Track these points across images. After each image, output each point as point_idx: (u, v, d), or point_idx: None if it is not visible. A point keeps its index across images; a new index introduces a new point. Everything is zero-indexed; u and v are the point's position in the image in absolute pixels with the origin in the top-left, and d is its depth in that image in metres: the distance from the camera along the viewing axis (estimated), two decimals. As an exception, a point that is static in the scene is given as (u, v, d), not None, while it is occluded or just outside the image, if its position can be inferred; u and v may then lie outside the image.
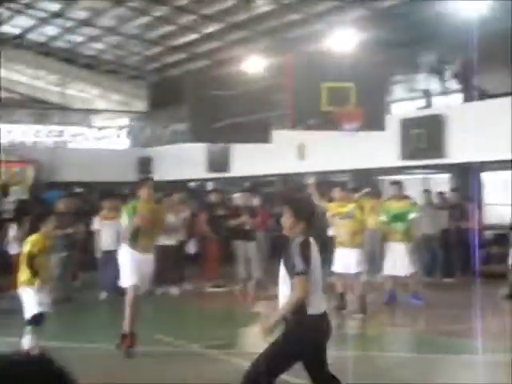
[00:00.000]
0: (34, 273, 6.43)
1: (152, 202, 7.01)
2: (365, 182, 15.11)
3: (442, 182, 15.68)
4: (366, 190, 12.34)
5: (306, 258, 4.04)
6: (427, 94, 16.92)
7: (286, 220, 4.24)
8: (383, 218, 9.59)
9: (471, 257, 12.06)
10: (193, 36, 19.77)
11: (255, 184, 18.45)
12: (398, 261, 9.29)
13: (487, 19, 12.56)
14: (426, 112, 14.72)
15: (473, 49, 13.33)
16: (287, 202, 4.46)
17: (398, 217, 9.39)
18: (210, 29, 18.98)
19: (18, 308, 6.62)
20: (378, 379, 5.98)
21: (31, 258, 6.47)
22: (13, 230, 10.99)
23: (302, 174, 16.41)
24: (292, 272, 4.02)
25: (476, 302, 9.60)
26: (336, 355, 7.01)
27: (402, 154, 14.14)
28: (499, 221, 14.84)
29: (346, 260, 8.72)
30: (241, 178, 18.92)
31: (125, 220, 6.76)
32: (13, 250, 10.30)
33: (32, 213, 7.55)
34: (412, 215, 9.53)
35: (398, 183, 9.80)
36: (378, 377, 6.08)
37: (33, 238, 6.67)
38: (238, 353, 6.81)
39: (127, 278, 6.65)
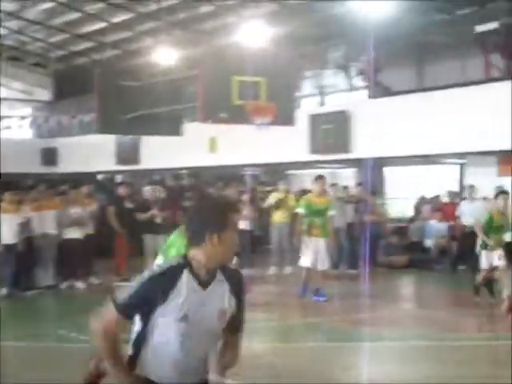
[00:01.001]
0: None
1: None
2: (277, 175, 15.36)
3: (348, 177, 16.18)
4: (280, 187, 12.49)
5: None
6: (322, 92, 17.47)
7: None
8: (301, 211, 9.50)
9: (374, 249, 12.55)
10: (100, 24, 19.23)
11: (165, 177, 18.25)
12: (318, 255, 9.30)
13: (393, 19, 13.06)
14: (333, 108, 15.12)
15: (378, 47, 13.84)
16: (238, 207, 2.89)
17: (320, 212, 9.37)
18: (119, 18, 18.54)
19: None
20: (271, 369, 6.06)
21: None
22: None
23: (213, 167, 16.43)
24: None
25: (377, 292, 9.99)
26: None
27: (311, 148, 14.47)
28: (400, 214, 15.54)
29: None
30: (151, 170, 18.66)
31: None
32: None
33: None
34: (331, 212, 9.57)
35: (321, 178, 9.63)
36: (271, 367, 6.16)
37: None
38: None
39: None
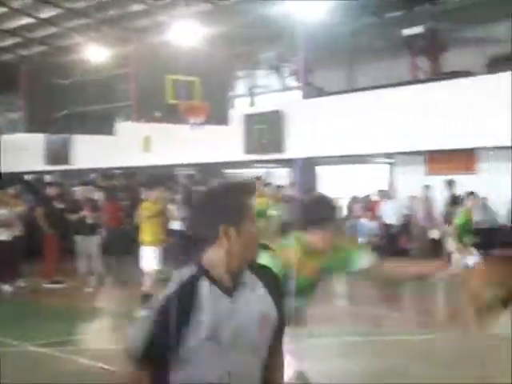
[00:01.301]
0: None
1: None
2: (212, 175, 15.30)
3: (282, 176, 16.32)
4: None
5: None
6: (252, 92, 17.55)
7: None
8: None
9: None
10: (27, 20, 18.61)
11: (98, 177, 17.89)
12: None
13: (324, 21, 13.29)
14: (267, 108, 15.23)
15: (310, 48, 14.06)
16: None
17: (260, 213, 9.21)
18: (46, 14, 18.00)
19: None
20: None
21: None
22: None
23: (148, 167, 16.23)
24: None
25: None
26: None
27: (245, 148, 14.52)
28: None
29: None
30: (83, 170, 18.24)
31: None
32: None
33: None
34: (272, 212, 9.50)
35: (259, 179, 9.45)
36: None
37: None
38: (75, 350, 6.60)
39: None
